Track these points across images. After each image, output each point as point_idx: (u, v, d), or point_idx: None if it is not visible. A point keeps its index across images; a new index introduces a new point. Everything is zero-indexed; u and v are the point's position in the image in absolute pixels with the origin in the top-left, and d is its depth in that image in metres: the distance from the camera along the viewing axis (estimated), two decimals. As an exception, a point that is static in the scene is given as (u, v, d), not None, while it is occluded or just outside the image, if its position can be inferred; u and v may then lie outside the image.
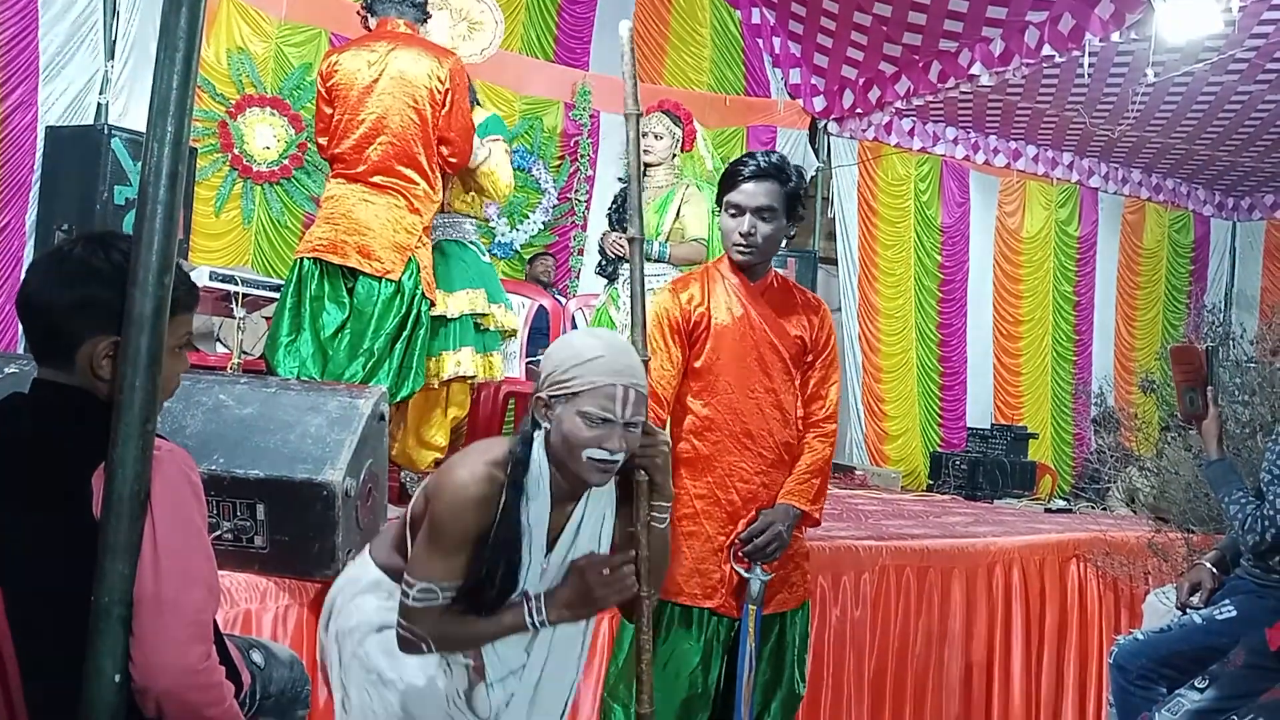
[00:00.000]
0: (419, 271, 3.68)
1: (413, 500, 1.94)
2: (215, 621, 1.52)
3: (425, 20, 3.88)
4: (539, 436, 1.86)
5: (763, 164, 2.52)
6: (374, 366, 3.62)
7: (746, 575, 2.50)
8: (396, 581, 1.88)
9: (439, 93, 3.67)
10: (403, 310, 3.66)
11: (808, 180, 4.26)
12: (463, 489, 1.80)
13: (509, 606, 1.84)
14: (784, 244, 2.72)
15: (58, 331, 1.49)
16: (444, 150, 3.74)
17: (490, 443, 1.95)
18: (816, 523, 2.66)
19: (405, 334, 3.68)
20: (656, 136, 4.44)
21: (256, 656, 1.84)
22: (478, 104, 4.13)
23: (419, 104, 3.65)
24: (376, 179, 3.66)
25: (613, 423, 1.81)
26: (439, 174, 3.79)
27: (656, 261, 4.30)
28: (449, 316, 3.82)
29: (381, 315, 3.63)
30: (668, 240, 4.36)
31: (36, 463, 1.48)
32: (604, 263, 4.59)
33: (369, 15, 3.86)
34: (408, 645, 1.85)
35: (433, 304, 3.77)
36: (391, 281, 3.63)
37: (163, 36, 1.44)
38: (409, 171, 3.66)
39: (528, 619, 1.83)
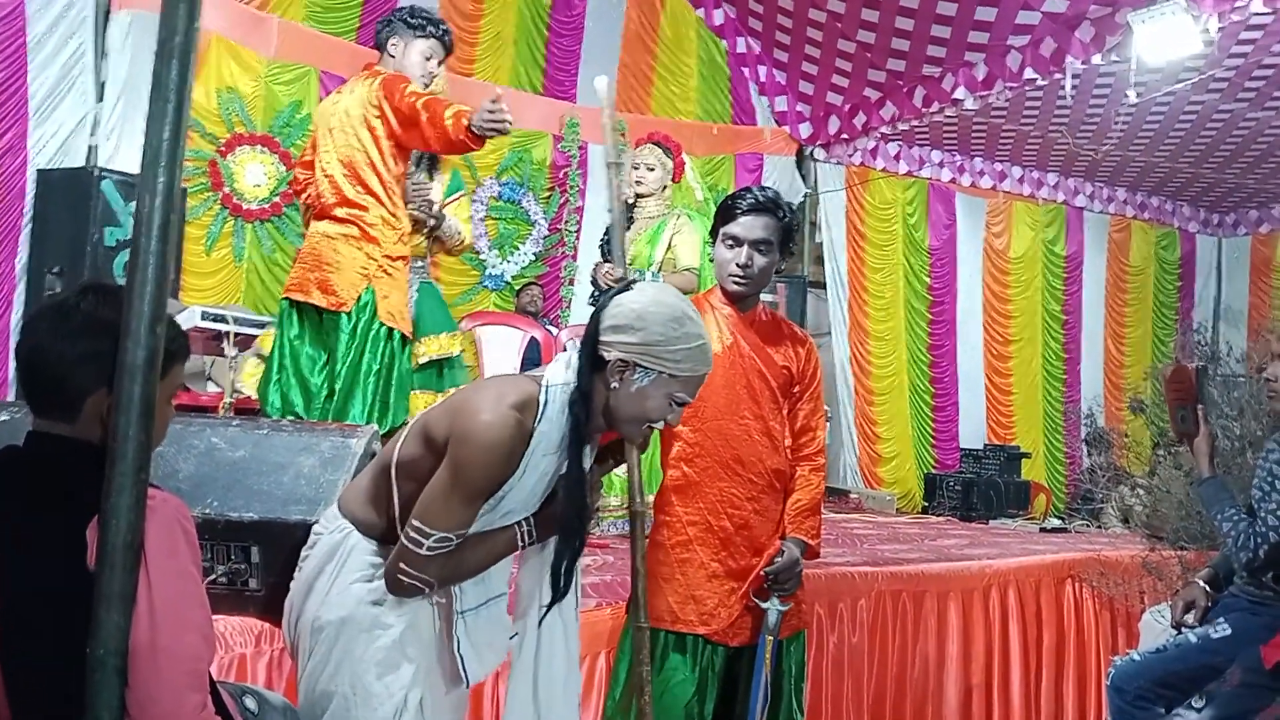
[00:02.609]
0: (376, 300, 3.62)
1: (400, 444, 1.87)
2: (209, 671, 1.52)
3: (386, 40, 3.80)
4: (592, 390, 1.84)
5: (760, 198, 2.55)
6: (342, 401, 3.58)
7: (765, 606, 2.51)
8: (375, 539, 1.87)
9: (373, 108, 3.56)
10: (360, 343, 3.59)
11: (797, 209, 4.31)
12: (498, 442, 1.76)
13: (501, 530, 1.87)
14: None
15: (64, 384, 1.49)
16: (395, 127, 3.55)
17: (506, 384, 1.88)
18: (816, 555, 2.69)
19: (376, 367, 3.64)
20: (649, 168, 4.49)
21: (250, 703, 1.83)
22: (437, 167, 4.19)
23: (357, 131, 3.60)
24: (338, 212, 3.65)
25: (688, 404, 1.87)
26: (399, 200, 3.71)
27: None
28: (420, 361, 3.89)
29: (344, 351, 3.61)
30: (659, 270, 4.38)
31: (35, 516, 1.48)
32: (596, 294, 4.62)
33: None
34: (408, 590, 1.82)
35: (405, 337, 3.75)
36: (348, 315, 3.62)
37: (155, 89, 1.46)
38: (364, 199, 3.63)
39: (520, 541, 1.89)
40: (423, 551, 1.78)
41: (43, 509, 1.49)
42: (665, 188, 4.52)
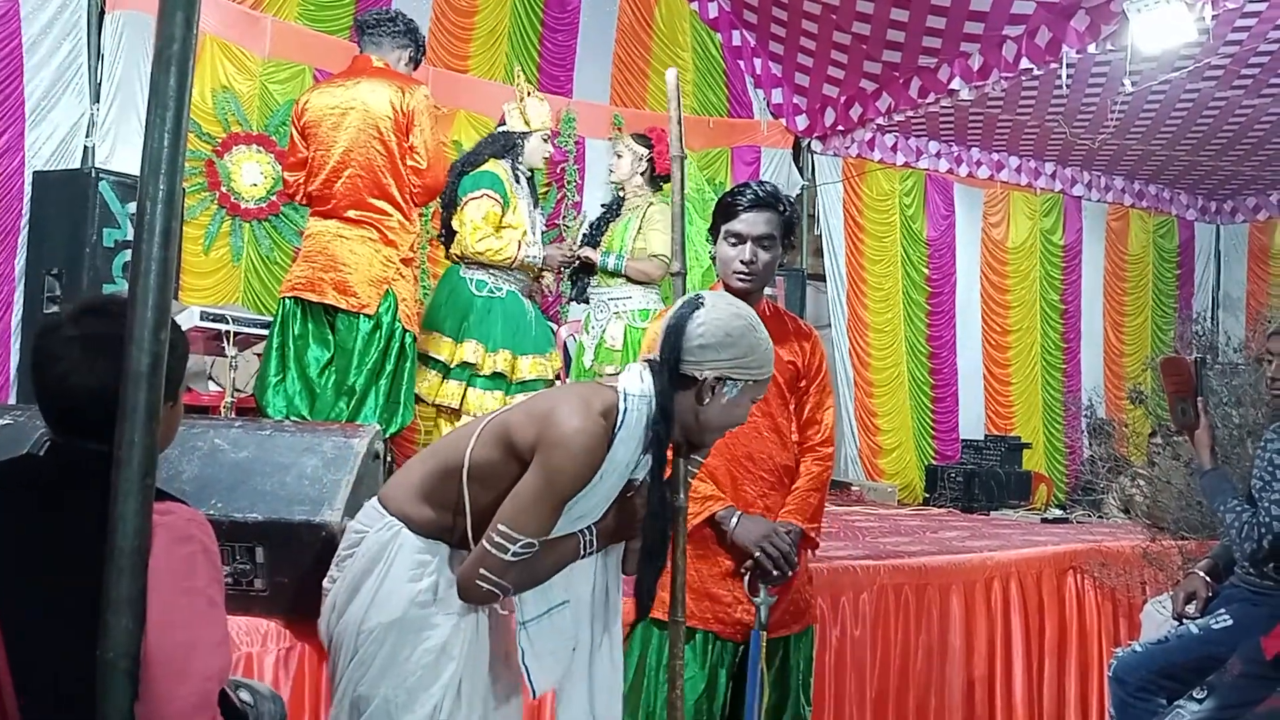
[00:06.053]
0: (397, 304, 3.67)
1: (473, 446, 1.86)
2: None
3: (407, 55, 3.87)
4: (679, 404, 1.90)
5: (760, 194, 2.55)
6: (358, 403, 3.62)
7: (756, 601, 2.50)
8: (424, 535, 1.87)
9: (401, 121, 3.65)
10: (382, 344, 3.65)
11: (794, 201, 4.34)
12: (589, 448, 1.81)
13: (567, 538, 1.90)
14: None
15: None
16: (413, 179, 3.71)
17: (590, 390, 1.92)
18: (815, 545, 2.67)
19: (390, 369, 3.67)
20: (618, 155, 4.60)
21: (245, 696, 1.84)
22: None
23: (383, 135, 3.62)
24: (350, 214, 3.65)
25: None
26: (414, 204, 3.77)
27: (612, 275, 4.43)
28: (525, 378, 3.95)
29: (362, 351, 3.63)
30: (629, 254, 4.46)
31: (60, 524, 1.49)
32: (573, 288, 4.70)
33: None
34: (484, 597, 1.84)
35: (417, 338, 3.78)
36: (369, 316, 3.63)
37: (153, 97, 1.45)
38: (380, 203, 3.65)
39: (582, 550, 1.93)
40: (508, 557, 1.79)
41: (71, 519, 1.49)
42: (640, 174, 4.57)
